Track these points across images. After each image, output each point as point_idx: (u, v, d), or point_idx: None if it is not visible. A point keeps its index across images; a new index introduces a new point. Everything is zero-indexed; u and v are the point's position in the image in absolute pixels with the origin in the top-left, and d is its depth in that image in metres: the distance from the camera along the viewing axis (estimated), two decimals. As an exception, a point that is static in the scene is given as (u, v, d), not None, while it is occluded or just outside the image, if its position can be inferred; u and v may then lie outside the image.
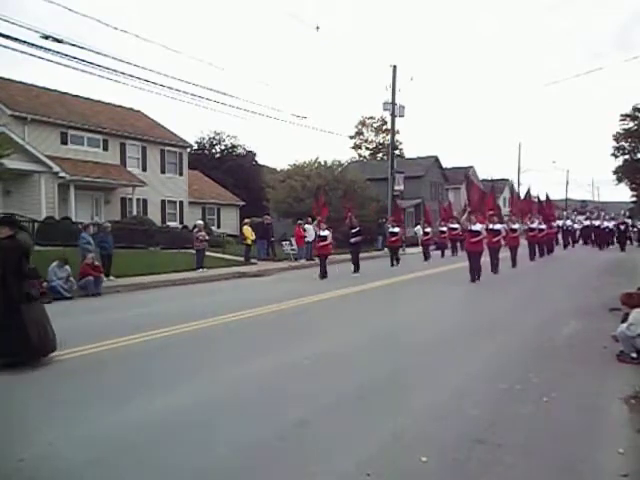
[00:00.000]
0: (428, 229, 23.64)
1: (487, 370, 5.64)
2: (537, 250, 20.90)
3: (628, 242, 27.40)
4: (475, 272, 13.63)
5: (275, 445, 3.73)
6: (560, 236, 28.48)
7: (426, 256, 21.81)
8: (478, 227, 13.89)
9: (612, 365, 5.74)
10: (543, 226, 21.59)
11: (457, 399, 4.66)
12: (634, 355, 5.76)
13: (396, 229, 19.77)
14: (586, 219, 31.87)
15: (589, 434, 3.98)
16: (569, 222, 30.96)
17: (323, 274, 15.25)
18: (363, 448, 3.66)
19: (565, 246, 28.01)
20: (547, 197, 26.11)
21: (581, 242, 30.46)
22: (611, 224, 28.12)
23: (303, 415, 4.27)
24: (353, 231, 16.88)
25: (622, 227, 26.90)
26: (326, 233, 15.93)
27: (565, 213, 38.78)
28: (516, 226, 18.68)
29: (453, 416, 4.25)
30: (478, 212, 14.95)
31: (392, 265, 18.98)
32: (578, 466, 3.45)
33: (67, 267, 11.87)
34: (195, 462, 3.47)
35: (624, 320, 6.01)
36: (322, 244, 15.91)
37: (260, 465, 3.46)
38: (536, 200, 25.10)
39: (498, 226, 15.82)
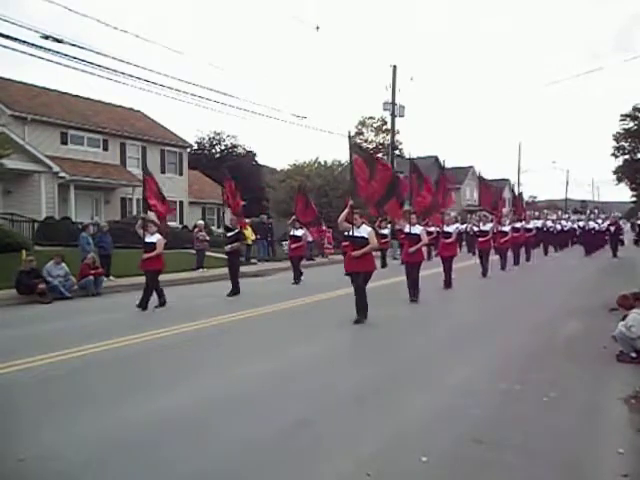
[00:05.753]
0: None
1: (487, 370, 5.63)
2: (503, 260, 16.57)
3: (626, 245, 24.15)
4: (362, 309, 8.20)
5: (275, 445, 3.73)
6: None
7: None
8: (363, 232, 8.39)
9: (612, 365, 5.74)
10: (506, 228, 17.09)
11: (457, 399, 4.66)
12: (634, 355, 5.77)
13: (300, 232, 14.61)
14: (546, 218, 26.30)
15: (589, 434, 3.98)
16: (549, 223, 25.05)
17: (145, 301, 9.74)
18: (363, 448, 3.66)
19: (546, 252, 23.14)
20: (513, 192, 22.93)
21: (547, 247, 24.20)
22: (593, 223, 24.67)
23: (303, 415, 4.27)
24: (229, 234, 11.94)
25: (612, 228, 22.61)
26: (154, 239, 10.13)
27: (545, 211, 33.74)
28: (451, 229, 13.29)
29: (453, 416, 4.25)
30: (371, 204, 9.13)
31: (294, 282, 13.96)
32: (578, 466, 3.45)
33: (63, 265, 11.80)
34: (195, 462, 3.47)
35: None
36: (147, 256, 10.03)
37: (260, 465, 3.45)
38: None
39: (418, 228, 10.68)
